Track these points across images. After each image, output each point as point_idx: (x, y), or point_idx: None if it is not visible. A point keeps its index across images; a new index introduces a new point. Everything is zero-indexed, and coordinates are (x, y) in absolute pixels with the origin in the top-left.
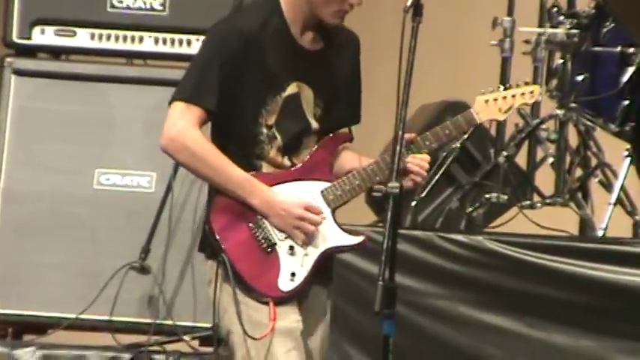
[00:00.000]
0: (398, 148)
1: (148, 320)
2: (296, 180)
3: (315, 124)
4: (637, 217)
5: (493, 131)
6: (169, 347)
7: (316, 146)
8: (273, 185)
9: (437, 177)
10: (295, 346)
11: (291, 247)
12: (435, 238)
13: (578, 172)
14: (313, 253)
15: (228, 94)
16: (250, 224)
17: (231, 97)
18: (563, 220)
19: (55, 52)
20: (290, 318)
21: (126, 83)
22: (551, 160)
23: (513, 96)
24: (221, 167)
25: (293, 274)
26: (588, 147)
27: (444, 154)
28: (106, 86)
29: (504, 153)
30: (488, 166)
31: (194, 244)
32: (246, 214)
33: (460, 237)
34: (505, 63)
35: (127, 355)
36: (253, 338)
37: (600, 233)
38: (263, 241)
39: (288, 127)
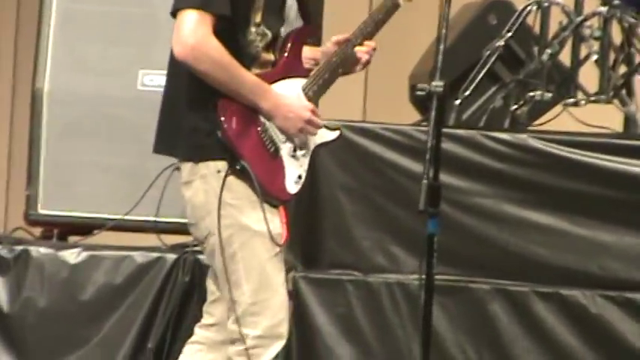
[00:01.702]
0: (441, 46)
1: None
2: (282, 79)
3: (284, 18)
4: None
5: (537, 29)
6: None
7: (288, 42)
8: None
9: (480, 75)
10: (277, 253)
11: (293, 149)
12: (478, 137)
13: (622, 69)
14: (307, 153)
15: None
16: (258, 128)
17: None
18: (607, 118)
19: None
20: (275, 223)
21: None
22: (595, 57)
23: None
24: (237, 73)
25: (299, 177)
26: (632, 44)
27: (488, 52)
28: None
29: (548, 50)
30: (532, 64)
31: None
32: (253, 117)
33: (504, 135)
34: None
35: (173, 255)
36: (278, 244)
37: None
38: (269, 144)
39: (273, 23)
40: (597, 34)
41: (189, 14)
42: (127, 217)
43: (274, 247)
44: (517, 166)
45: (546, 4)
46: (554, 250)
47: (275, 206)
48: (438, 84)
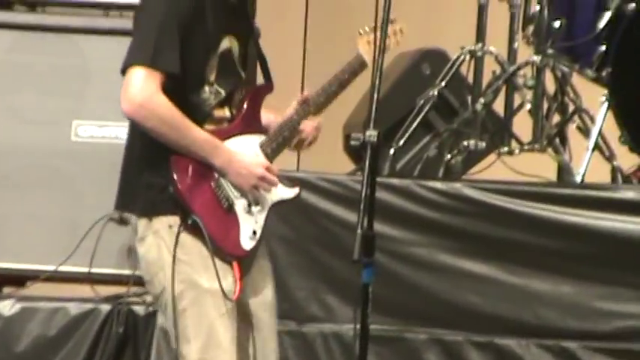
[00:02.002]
0: (375, 95)
1: (127, 272)
2: (237, 135)
3: (243, 75)
4: (615, 163)
5: (470, 78)
6: (149, 298)
7: (246, 99)
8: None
9: (415, 125)
10: (228, 310)
11: (248, 205)
12: (413, 186)
13: (556, 118)
14: (264, 209)
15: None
16: (212, 183)
17: (182, 58)
18: (541, 167)
19: (31, 4)
20: (228, 280)
21: (102, 35)
22: (528, 106)
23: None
24: (186, 130)
25: (254, 233)
26: (565, 93)
27: (422, 101)
28: (82, 38)
29: (482, 100)
30: (466, 113)
31: None
32: (207, 173)
33: (438, 184)
34: (482, 10)
35: (107, 307)
36: (229, 299)
37: (578, 179)
38: (224, 199)
39: (227, 81)
40: (531, 83)
41: (138, 71)
42: (61, 268)
43: (226, 303)
44: (452, 215)
45: (480, 54)
46: (489, 299)
47: (229, 262)
48: (371, 133)
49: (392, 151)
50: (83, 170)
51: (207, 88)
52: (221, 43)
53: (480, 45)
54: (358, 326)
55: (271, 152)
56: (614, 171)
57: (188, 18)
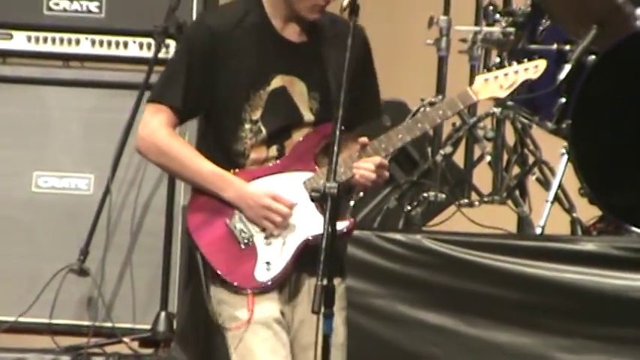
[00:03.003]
0: (335, 148)
1: (88, 322)
2: (277, 173)
3: (309, 117)
4: (575, 215)
5: (430, 131)
6: (109, 349)
7: (300, 139)
8: (252, 180)
9: None
10: (271, 335)
11: (267, 238)
12: (373, 238)
13: (516, 170)
14: (293, 242)
15: (203, 94)
16: (226, 219)
17: (208, 97)
18: (501, 218)
19: None
20: (265, 308)
21: (63, 85)
22: (488, 158)
23: (516, 72)
24: (190, 163)
25: (268, 263)
26: (525, 145)
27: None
28: (43, 89)
29: (442, 152)
30: (426, 164)
31: (133, 245)
32: (223, 209)
33: (398, 236)
34: (442, 62)
35: (67, 358)
36: (225, 328)
37: (538, 231)
38: (239, 235)
39: (274, 120)
40: (491, 135)
41: (148, 107)
42: (21, 319)
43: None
44: (411, 266)
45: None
46: (449, 350)
47: (241, 294)
48: (332, 185)
49: (352, 202)
50: (43, 221)
51: (247, 127)
52: (271, 81)
53: (440, 97)
54: None
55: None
56: (574, 223)
57: (207, 55)
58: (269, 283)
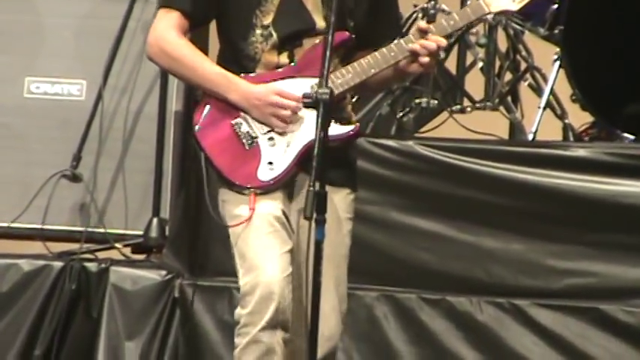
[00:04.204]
0: (328, 52)
1: (80, 228)
2: (284, 78)
3: (322, 25)
4: (566, 121)
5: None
6: (101, 255)
7: (311, 46)
8: (260, 83)
9: None
10: (271, 231)
11: (271, 139)
12: (365, 144)
13: (508, 77)
14: (297, 144)
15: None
16: (232, 121)
17: (219, 2)
18: (493, 125)
19: None
20: (266, 206)
21: None
22: (480, 64)
23: None
24: (196, 66)
25: (271, 163)
26: (518, 51)
27: None
28: None
29: None
30: None
31: (125, 151)
32: (230, 111)
33: (390, 142)
34: None
35: (59, 263)
36: (226, 226)
37: (530, 137)
38: (244, 136)
39: (286, 25)
40: (483, 41)
41: (158, 13)
42: (13, 225)
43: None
44: (403, 172)
45: (432, 11)
46: (441, 256)
47: (244, 194)
48: (324, 91)
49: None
50: (36, 127)
51: (258, 32)
52: None
53: (432, 3)
54: (311, 282)
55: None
56: (566, 129)
57: None
58: (271, 182)
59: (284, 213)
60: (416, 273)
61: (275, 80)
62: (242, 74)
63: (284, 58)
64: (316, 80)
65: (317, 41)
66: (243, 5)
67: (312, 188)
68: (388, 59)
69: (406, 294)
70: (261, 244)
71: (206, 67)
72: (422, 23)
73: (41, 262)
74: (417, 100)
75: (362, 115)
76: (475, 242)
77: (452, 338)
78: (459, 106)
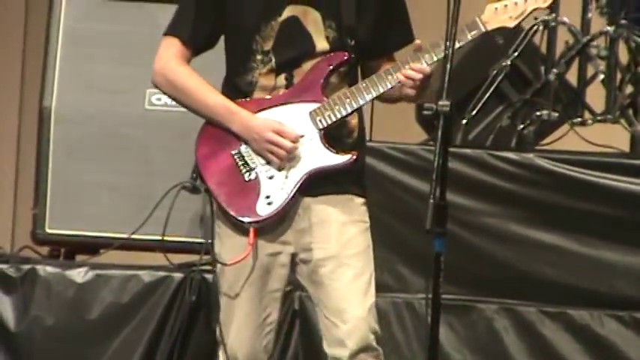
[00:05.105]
0: (448, 65)
1: (200, 240)
2: (283, 104)
3: (323, 46)
4: None
5: (544, 48)
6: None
7: (311, 67)
8: (259, 111)
9: (487, 95)
10: (256, 291)
11: (270, 171)
12: (485, 156)
13: (629, 89)
14: (295, 176)
15: (213, 26)
16: (232, 151)
17: (218, 29)
18: (614, 137)
19: None
20: (261, 248)
21: (175, 3)
22: (601, 76)
23: (526, 0)
24: (198, 95)
25: (268, 197)
26: (639, 63)
27: (495, 71)
28: (155, 6)
29: (555, 70)
30: (539, 83)
31: None
32: (231, 141)
33: (511, 155)
34: None
35: (179, 275)
36: (223, 264)
37: None
38: (243, 167)
39: (285, 50)
40: (604, 53)
41: (162, 41)
42: (133, 236)
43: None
44: (523, 185)
45: (553, 24)
46: (561, 269)
47: (240, 227)
48: (444, 103)
49: (464, 121)
50: (156, 139)
51: (258, 57)
52: (282, 12)
53: (553, 15)
54: (430, 296)
55: (322, 119)
56: None
57: None
58: (269, 217)
59: (284, 243)
60: (536, 286)
61: (272, 106)
62: (240, 99)
63: (281, 81)
64: (313, 106)
65: (316, 62)
66: (242, 31)
67: (432, 200)
68: (379, 89)
69: (526, 307)
70: (238, 322)
71: (208, 97)
72: (417, 41)
73: (162, 274)
74: (538, 113)
75: (482, 127)
76: (596, 255)
77: (572, 352)
78: (579, 119)
